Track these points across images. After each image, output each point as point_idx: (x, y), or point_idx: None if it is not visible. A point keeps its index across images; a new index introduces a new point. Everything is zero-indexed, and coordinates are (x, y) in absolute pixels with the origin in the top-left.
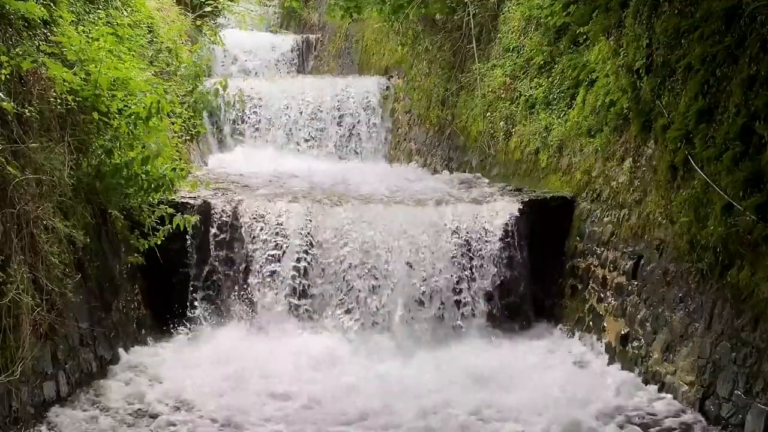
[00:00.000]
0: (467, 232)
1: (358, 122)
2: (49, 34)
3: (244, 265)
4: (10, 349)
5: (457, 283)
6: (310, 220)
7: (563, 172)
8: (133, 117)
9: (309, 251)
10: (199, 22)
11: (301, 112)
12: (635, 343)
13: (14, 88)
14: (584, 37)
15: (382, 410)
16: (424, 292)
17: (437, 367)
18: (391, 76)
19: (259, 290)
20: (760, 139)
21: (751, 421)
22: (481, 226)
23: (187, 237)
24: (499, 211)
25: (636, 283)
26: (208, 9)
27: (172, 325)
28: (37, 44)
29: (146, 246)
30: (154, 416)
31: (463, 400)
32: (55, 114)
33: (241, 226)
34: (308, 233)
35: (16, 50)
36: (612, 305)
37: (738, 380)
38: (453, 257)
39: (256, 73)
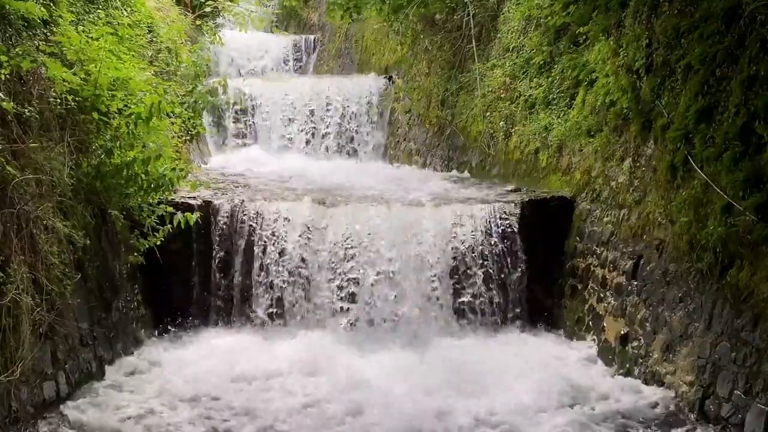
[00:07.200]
0: (467, 232)
1: (358, 122)
2: (48, 34)
3: (247, 267)
4: (10, 349)
5: (456, 282)
6: (313, 220)
7: (563, 172)
8: (133, 117)
9: (311, 251)
10: (199, 22)
11: (300, 112)
12: (635, 343)
13: (14, 88)
14: (584, 37)
15: (398, 393)
16: (425, 291)
17: (439, 365)
18: (391, 76)
19: (260, 292)
20: (759, 139)
21: (750, 421)
22: (480, 226)
23: (194, 235)
24: (498, 211)
25: (636, 283)
26: (208, 9)
27: (172, 325)
28: (37, 44)
29: (146, 246)
30: (153, 416)
31: (461, 398)
32: (54, 114)
33: (246, 227)
34: (311, 230)
35: (16, 50)
36: (612, 305)
37: (738, 380)
38: (452, 257)
39: (255, 73)
